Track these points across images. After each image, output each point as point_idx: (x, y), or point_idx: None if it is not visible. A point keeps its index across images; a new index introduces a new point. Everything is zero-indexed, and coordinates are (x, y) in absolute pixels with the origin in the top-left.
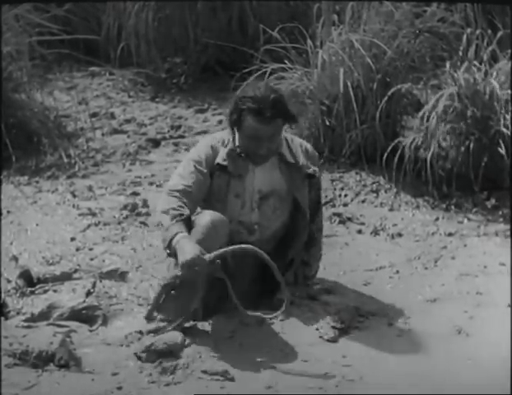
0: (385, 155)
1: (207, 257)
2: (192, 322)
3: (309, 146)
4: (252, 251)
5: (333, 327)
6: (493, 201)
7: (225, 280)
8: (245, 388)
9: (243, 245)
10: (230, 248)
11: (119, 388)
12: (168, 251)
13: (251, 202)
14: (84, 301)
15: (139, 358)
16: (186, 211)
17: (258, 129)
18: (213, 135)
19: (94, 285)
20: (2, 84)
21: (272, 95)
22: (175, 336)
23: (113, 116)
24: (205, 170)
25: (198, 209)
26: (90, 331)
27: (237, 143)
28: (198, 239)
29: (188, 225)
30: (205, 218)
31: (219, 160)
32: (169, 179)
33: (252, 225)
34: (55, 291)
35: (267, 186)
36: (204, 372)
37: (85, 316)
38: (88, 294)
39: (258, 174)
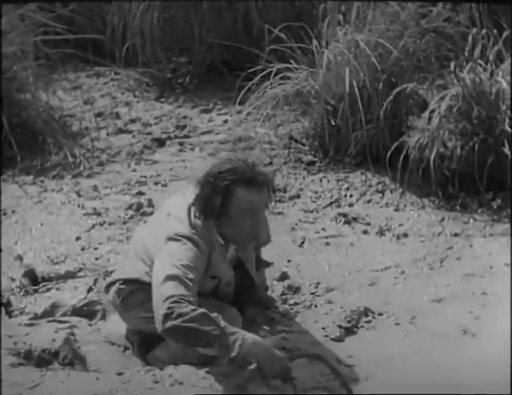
0: (390, 155)
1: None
2: None
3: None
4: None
5: (339, 327)
6: (498, 201)
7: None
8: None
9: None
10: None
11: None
12: (224, 356)
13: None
14: (85, 298)
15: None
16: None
17: (253, 200)
18: (192, 241)
19: (95, 282)
20: (5, 84)
21: (249, 160)
22: None
23: (118, 116)
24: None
25: None
26: (90, 325)
27: (217, 234)
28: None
29: None
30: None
31: (212, 272)
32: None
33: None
34: (58, 289)
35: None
36: (208, 372)
37: (85, 312)
38: (89, 290)
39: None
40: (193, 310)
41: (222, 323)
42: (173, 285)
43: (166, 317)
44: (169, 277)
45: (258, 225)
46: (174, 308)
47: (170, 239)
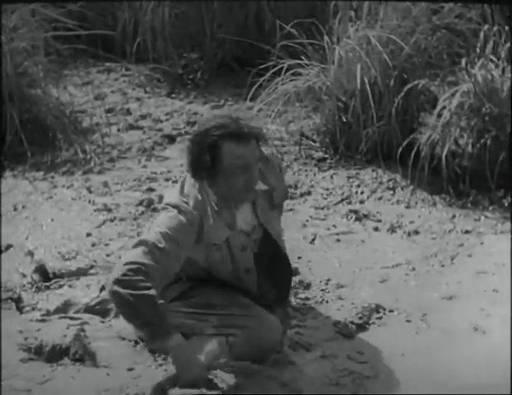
0: (401, 152)
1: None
2: None
3: (281, 165)
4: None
5: (351, 323)
6: (510, 198)
7: None
8: (261, 384)
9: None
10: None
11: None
12: (149, 343)
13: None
14: (98, 296)
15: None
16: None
17: (243, 154)
18: (181, 197)
19: None
20: (16, 79)
21: (233, 114)
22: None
23: (128, 112)
24: (181, 255)
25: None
26: (102, 322)
27: (213, 198)
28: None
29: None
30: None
31: (209, 237)
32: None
33: (251, 263)
34: (70, 286)
35: (248, 224)
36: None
37: (98, 310)
38: (102, 289)
39: (239, 217)
40: (144, 288)
41: (160, 315)
42: (141, 251)
43: (118, 281)
44: (141, 242)
45: (251, 179)
46: (128, 275)
47: (161, 208)
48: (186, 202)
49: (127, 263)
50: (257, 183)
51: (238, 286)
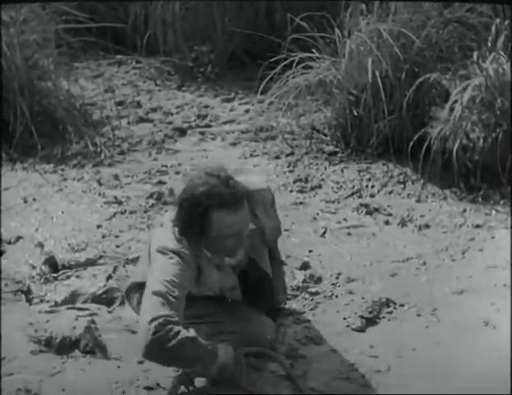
0: (412, 146)
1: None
2: None
3: (273, 199)
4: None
5: (361, 317)
6: None
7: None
8: (270, 378)
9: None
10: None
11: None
12: (211, 368)
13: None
14: (104, 285)
15: None
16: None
17: (234, 222)
18: (179, 255)
19: (115, 270)
20: (26, 72)
21: (221, 174)
22: None
23: (139, 105)
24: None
25: None
26: (109, 312)
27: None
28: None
29: None
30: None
31: (202, 288)
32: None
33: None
34: (78, 277)
35: (237, 259)
36: None
37: (105, 299)
38: (109, 278)
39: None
40: (177, 334)
41: (201, 343)
42: (158, 303)
43: (152, 343)
44: (154, 294)
45: (241, 240)
46: (159, 332)
47: (159, 251)
48: (182, 248)
49: (152, 321)
50: (245, 243)
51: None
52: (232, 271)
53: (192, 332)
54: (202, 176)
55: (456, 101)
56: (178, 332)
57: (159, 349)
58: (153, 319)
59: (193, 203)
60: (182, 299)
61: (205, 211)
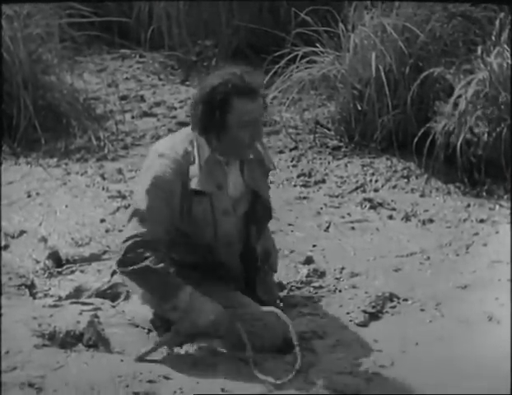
0: (417, 140)
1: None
2: None
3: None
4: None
5: (364, 312)
6: None
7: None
8: (277, 371)
9: (266, 308)
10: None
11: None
12: (166, 305)
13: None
14: (109, 281)
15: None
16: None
17: (252, 109)
18: (170, 147)
19: None
20: (30, 66)
21: (236, 71)
22: None
23: (143, 99)
24: (177, 197)
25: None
26: (113, 306)
27: (212, 149)
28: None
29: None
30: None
31: (194, 185)
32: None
33: (233, 236)
34: (82, 272)
35: (237, 190)
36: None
37: (109, 294)
38: (113, 273)
39: (230, 180)
40: (142, 260)
41: (165, 275)
42: (135, 223)
43: (121, 262)
44: (133, 214)
45: (257, 134)
46: (128, 253)
47: (149, 154)
48: (175, 152)
49: (124, 241)
50: (261, 137)
51: (222, 270)
52: (229, 204)
53: (161, 264)
54: (217, 74)
55: (460, 96)
56: (144, 258)
57: (125, 269)
58: (127, 239)
59: (212, 93)
60: (161, 207)
61: (225, 100)
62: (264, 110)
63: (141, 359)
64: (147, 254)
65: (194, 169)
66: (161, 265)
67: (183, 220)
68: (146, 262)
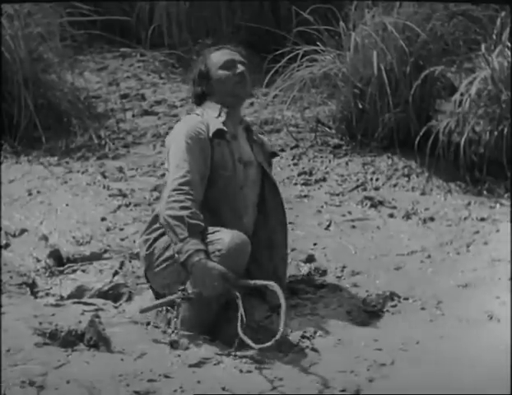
0: (418, 139)
1: (233, 280)
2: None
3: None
4: (275, 289)
5: (364, 311)
6: None
7: (238, 302)
8: (277, 372)
9: (265, 282)
10: (253, 282)
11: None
12: (181, 261)
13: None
14: (111, 281)
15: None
16: (201, 220)
17: (227, 54)
18: (191, 116)
19: (121, 266)
20: (31, 64)
21: None
22: None
23: (143, 97)
24: (207, 143)
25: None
26: (115, 307)
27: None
28: (221, 262)
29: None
30: (227, 240)
31: (216, 126)
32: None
33: (249, 189)
34: (83, 271)
35: (246, 155)
36: (234, 355)
37: (111, 295)
38: (115, 274)
39: (236, 142)
40: (181, 209)
41: (186, 234)
42: (176, 171)
43: (165, 208)
44: (175, 165)
45: (239, 75)
46: (171, 200)
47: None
48: (196, 116)
49: (170, 191)
50: (248, 81)
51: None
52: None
53: (194, 221)
54: None
55: (462, 94)
56: (183, 207)
57: (166, 212)
58: (171, 190)
59: (197, 63)
60: (198, 158)
61: (207, 54)
62: (244, 61)
63: (143, 311)
64: (188, 204)
65: (213, 121)
66: (194, 221)
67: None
68: (183, 212)
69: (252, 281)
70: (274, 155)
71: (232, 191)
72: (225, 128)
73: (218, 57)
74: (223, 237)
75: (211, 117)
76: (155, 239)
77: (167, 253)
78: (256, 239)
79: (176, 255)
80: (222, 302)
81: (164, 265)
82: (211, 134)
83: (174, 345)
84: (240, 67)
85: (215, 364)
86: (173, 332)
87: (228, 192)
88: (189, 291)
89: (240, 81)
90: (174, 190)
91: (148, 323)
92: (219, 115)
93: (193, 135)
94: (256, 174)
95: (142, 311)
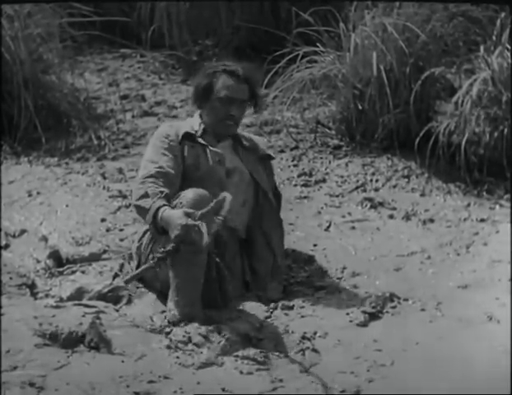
0: (417, 140)
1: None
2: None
3: (262, 139)
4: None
5: (364, 312)
6: None
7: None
8: (278, 372)
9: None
10: (210, 205)
11: (149, 370)
12: (154, 228)
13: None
14: (111, 284)
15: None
16: (165, 190)
17: (231, 88)
18: (162, 124)
19: (121, 268)
20: (31, 65)
21: (241, 68)
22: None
23: (143, 98)
24: (175, 144)
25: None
26: (116, 310)
27: (202, 122)
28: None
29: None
30: (189, 194)
31: (187, 129)
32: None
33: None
34: (83, 273)
35: (230, 163)
36: (236, 356)
37: (111, 297)
38: (115, 277)
39: (217, 148)
40: (142, 188)
41: (150, 201)
42: (142, 166)
43: (133, 199)
44: (143, 162)
45: (233, 113)
46: (133, 192)
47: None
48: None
49: (137, 184)
50: (238, 121)
51: None
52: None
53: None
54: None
55: (462, 95)
56: (145, 188)
57: (134, 202)
58: (138, 182)
59: (207, 67)
60: (168, 160)
61: (214, 73)
62: (246, 98)
63: (127, 281)
64: (151, 186)
65: (188, 126)
66: (157, 189)
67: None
68: (144, 191)
69: (210, 205)
70: (269, 157)
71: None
72: (191, 131)
73: (224, 85)
74: (186, 193)
75: (189, 123)
76: (145, 233)
77: (152, 243)
78: (253, 242)
79: (149, 226)
80: (202, 260)
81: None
82: (180, 137)
83: (171, 322)
84: (235, 111)
85: (215, 365)
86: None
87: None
88: (166, 248)
89: (228, 122)
90: (140, 183)
91: (150, 328)
92: (197, 130)
93: (160, 137)
94: (241, 181)
95: (127, 281)
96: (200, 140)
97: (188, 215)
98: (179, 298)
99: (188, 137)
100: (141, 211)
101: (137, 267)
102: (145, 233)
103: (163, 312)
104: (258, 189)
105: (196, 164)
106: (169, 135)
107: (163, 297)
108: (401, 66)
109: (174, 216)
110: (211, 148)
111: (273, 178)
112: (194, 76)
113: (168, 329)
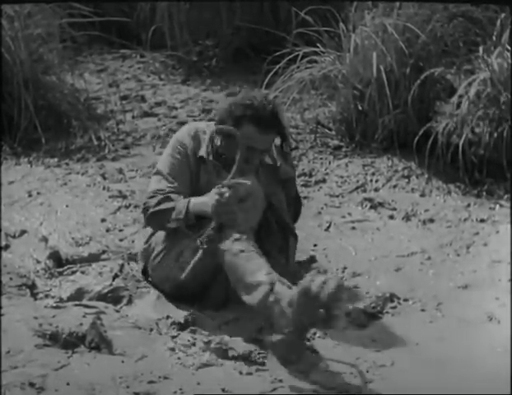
0: (417, 140)
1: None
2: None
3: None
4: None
5: (364, 313)
6: None
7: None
8: (277, 374)
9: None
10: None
11: (149, 371)
12: (185, 222)
13: None
14: (111, 284)
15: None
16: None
17: (256, 140)
18: (196, 124)
19: (121, 269)
20: (31, 66)
21: (270, 105)
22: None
23: (143, 99)
24: (192, 160)
25: None
26: (117, 311)
27: (219, 148)
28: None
29: None
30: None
31: (202, 152)
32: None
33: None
34: (83, 273)
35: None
36: (236, 357)
37: (111, 298)
38: (115, 277)
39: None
40: (157, 198)
41: (176, 201)
42: (156, 180)
43: (143, 211)
44: (156, 172)
45: (253, 160)
46: (147, 203)
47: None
48: (197, 124)
49: (147, 197)
50: (256, 167)
51: None
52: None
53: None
54: (250, 94)
55: (461, 96)
56: (159, 197)
57: (145, 215)
58: (147, 196)
59: (232, 109)
60: (182, 174)
61: (241, 118)
62: (270, 147)
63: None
64: (158, 200)
65: (205, 142)
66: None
67: (193, 187)
68: (161, 197)
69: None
70: (285, 182)
71: None
72: (204, 155)
73: (249, 135)
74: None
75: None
76: (152, 234)
77: (164, 244)
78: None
79: (176, 223)
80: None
81: (162, 255)
82: (199, 154)
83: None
84: (255, 160)
85: (215, 366)
86: None
87: None
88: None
89: (245, 166)
90: (153, 192)
91: (151, 329)
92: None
93: (177, 147)
94: (254, 207)
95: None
96: (215, 162)
97: (219, 193)
98: None
99: (205, 160)
100: (163, 214)
101: (144, 269)
102: (152, 235)
103: (168, 317)
104: (270, 210)
105: (207, 187)
106: (187, 146)
107: (167, 298)
108: (401, 66)
109: (206, 199)
110: (224, 173)
111: (295, 189)
112: (219, 105)
113: (174, 333)
